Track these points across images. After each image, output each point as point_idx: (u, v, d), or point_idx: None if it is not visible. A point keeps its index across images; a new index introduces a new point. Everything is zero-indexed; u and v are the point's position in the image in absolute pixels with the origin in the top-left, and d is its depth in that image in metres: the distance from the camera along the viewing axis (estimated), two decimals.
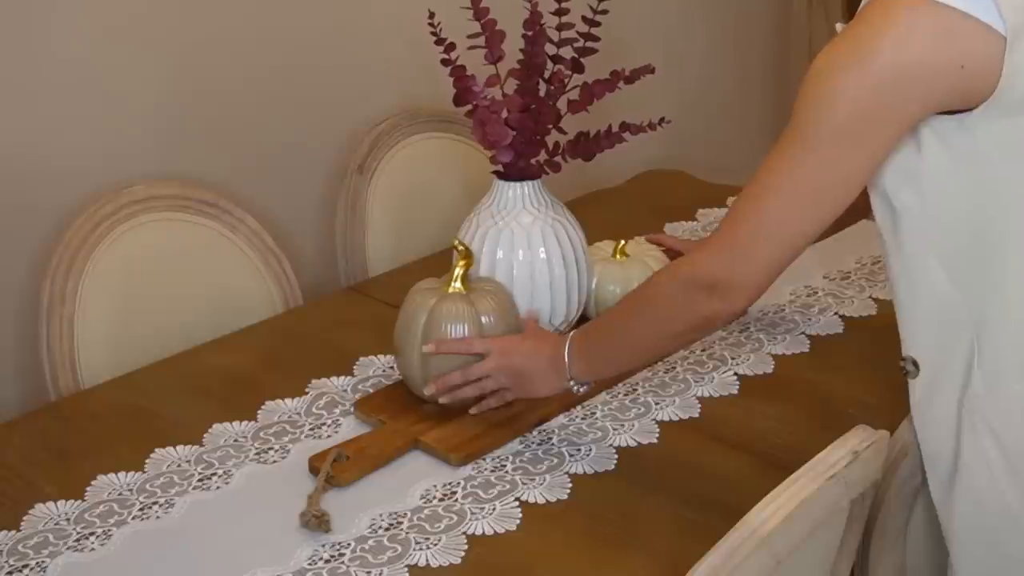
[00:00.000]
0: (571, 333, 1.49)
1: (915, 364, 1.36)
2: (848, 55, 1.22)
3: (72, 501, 1.44)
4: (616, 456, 1.51)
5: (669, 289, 1.38)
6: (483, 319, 1.55)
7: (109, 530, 1.39)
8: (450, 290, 1.58)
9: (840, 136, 1.24)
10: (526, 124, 1.66)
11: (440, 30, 1.66)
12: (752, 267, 1.31)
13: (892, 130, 1.25)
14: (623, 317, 1.46)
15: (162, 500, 1.44)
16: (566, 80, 1.68)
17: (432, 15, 1.67)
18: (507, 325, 1.57)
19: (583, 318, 1.78)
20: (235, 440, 1.56)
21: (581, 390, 1.50)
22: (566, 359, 1.47)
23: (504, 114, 1.66)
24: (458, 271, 1.59)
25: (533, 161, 1.70)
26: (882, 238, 1.35)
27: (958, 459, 1.33)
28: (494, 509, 1.41)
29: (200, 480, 1.48)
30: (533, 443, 1.54)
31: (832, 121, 1.24)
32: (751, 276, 1.31)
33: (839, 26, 1.30)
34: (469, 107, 1.67)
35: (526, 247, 1.69)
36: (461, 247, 1.62)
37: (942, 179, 1.27)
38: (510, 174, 1.70)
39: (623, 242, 1.82)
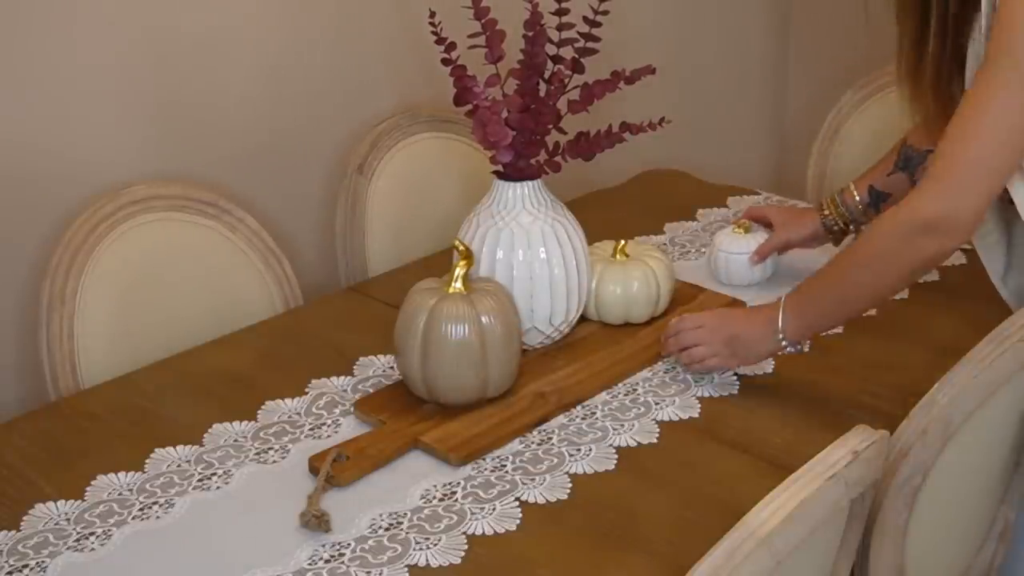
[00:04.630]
0: (784, 295, 1.57)
1: None
2: None
3: (72, 501, 1.44)
4: (616, 456, 1.51)
5: (892, 237, 1.44)
6: (483, 319, 1.55)
7: (109, 530, 1.39)
8: (450, 290, 1.58)
9: None
10: (526, 124, 1.66)
11: (440, 30, 1.66)
12: (971, 200, 1.38)
13: None
14: (842, 270, 1.53)
15: (162, 500, 1.44)
16: (566, 80, 1.68)
17: (432, 14, 1.67)
18: (507, 325, 1.57)
19: (583, 318, 1.78)
20: (235, 440, 1.56)
21: (793, 350, 1.57)
22: (780, 320, 1.54)
23: (504, 114, 1.66)
24: (458, 271, 1.59)
25: (533, 161, 1.70)
26: None
27: None
28: (494, 509, 1.41)
29: (200, 480, 1.48)
30: (533, 443, 1.54)
31: None
32: (970, 210, 1.39)
33: None
34: (469, 107, 1.67)
35: (526, 247, 1.68)
36: (461, 247, 1.61)
37: None
38: (510, 174, 1.70)
39: (623, 242, 1.82)
